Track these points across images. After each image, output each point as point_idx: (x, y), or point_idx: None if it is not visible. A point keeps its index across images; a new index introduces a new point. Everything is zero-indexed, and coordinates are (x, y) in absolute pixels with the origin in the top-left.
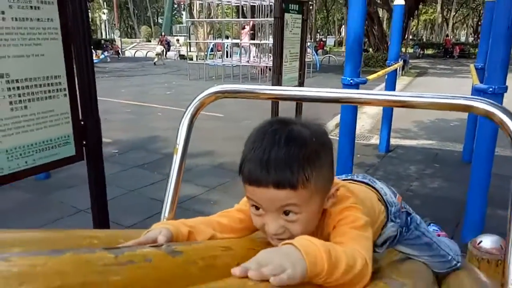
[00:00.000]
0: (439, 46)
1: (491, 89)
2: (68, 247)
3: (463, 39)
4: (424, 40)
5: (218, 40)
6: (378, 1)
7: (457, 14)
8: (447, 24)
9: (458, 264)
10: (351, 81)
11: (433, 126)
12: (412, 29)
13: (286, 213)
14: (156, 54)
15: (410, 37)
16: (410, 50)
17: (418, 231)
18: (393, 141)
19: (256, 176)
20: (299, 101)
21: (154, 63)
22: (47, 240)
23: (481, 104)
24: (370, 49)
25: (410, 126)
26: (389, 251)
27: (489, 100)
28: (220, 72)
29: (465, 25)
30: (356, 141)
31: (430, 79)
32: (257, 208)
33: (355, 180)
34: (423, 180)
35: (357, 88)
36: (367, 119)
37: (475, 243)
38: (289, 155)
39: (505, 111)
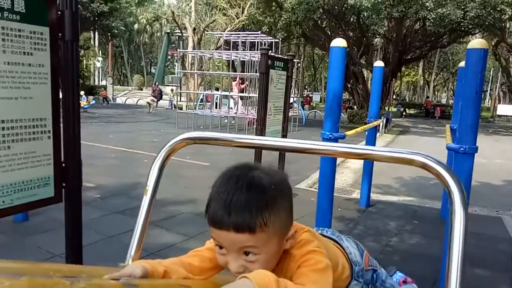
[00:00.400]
0: (421, 107)
1: (462, 149)
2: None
3: (443, 100)
4: (407, 100)
5: (208, 92)
6: (363, 62)
7: (437, 77)
8: (429, 86)
9: None
10: (330, 135)
11: (413, 183)
12: (395, 89)
13: (246, 253)
14: (147, 103)
15: (394, 96)
16: (394, 109)
17: (376, 280)
18: (374, 196)
19: (218, 219)
20: (261, 149)
21: (149, 111)
22: (13, 269)
23: (420, 158)
24: (355, 107)
25: (391, 182)
26: None
27: (427, 154)
28: (208, 122)
29: (445, 88)
30: (337, 194)
31: (411, 137)
32: (221, 247)
33: (323, 235)
34: (402, 236)
35: (336, 142)
36: (350, 174)
37: None
38: (249, 200)
39: (440, 163)
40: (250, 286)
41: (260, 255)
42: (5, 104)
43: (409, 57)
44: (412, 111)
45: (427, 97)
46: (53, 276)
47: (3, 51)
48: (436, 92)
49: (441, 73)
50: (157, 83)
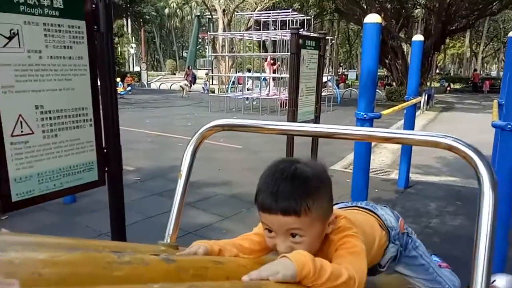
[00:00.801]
0: (467, 81)
1: (509, 126)
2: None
3: (493, 73)
4: (452, 74)
5: (240, 74)
6: (402, 36)
7: (487, 48)
8: (476, 58)
9: None
10: (365, 115)
11: (456, 162)
12: (438, 63)
13: (293, 235)
14: (180, 87)
15: (437, 71)
16: (437, 85)
17: (416, 252)
18: (413, 177)
19: (268, 205)
20: (288, 134)
21: (183, 95)
22: (67, 244)
23: (447, 140)
24: (394, 83)
25: (432, 161)
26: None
27: (454, 136)
28: (240, 105)
29: (496, 59)
30: (374, 175)
31: (456, 114)
32: (270, 231)
33: (359, 207)
34: (443, 218)
35: (371, 122)
36: (388, 154)
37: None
38: (293, 189)
39: (467, 145)
40: (289, 263)
41: (305, 237)
42: (50, 96)
43: (453, 27)
44: (457, 86)
45: (475, 70)
46: (102, 250)
47: (46, 46)
48: (485, 65)
49: (491, 44)
50: (190, 67)
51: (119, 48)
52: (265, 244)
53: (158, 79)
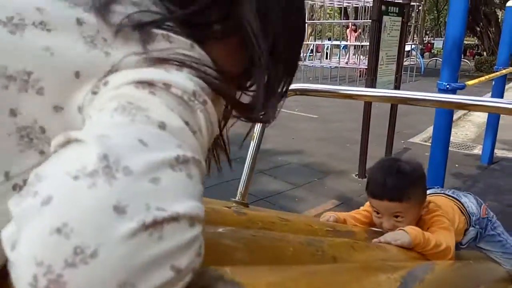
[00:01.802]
0: None
1: (448, 86)
2: None
3: None
4: None
5: (319, 41)
6: (496, 1)
7: None
8: None
9: None
10: (448, 86)
11: None
12: None
13: (396, 216)
14: None
15: None
16: None
17: (494, 232)
18: (499, 153)
19: (378, 193)
20: (360, 99)
21: None
22: None
23: None
24: (484, 53)
25: None
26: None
27: None
28: (318, 74)
29: None
30: (456, 150)
31: None
32: (378, 212)
33: (445, 194)
34: None
35: (454, 93)
36: (472, 128)
37: None
38: (398, 181)
39: None
40: (405, 234)
41: (405, 218)
42: None
43: None
44: None
45: None
46: None
47: None
48: None
49: None
50: None
51: None
52: (370, 219)
53: None
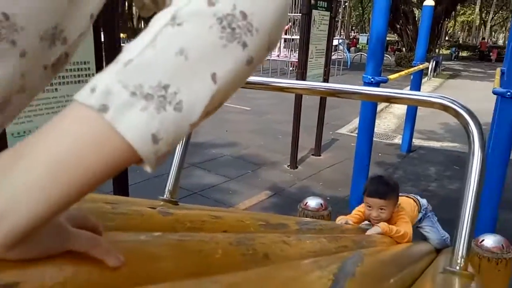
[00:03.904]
0: (475, 49)
1: (508, 93)
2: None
3: (501, 42)
4: (461, 42)
5: None
6: (414, 1)
7: (496, 17)
8: (485, 27)
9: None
10: (372, 79)
11: (459, 129)
12: (449, 30)
13: (381, 209)
14: None
15: (446, 38)
16: (446, 52)
17: (429, 214)
18: (416, 142)
19: (373, 193)
20: (296, 92)
21: None
22: None
23: (441, 100)
24: (404, 49)
25: (435, 127)
26: None
27: (448, 97)
28: None
29: (504, 28)
30: (379, 140)
31: (461, 82)
32: (370, 207)
33: (408, 196)
34: (442, 181)
35: (378, 86)
36: (393, 119)
37: (477, 242)
38: (385, 188)
39: (460, 105)
40: (378, 228)
41: (386, 211)
42: None
43: None
44: (464, 54)
45: (483, 38)
46: (98, 202)
47: None
48: (493, 33)
49: (500, 12)
50: None
51: (126, 2)
52: (359, 218)
53: None
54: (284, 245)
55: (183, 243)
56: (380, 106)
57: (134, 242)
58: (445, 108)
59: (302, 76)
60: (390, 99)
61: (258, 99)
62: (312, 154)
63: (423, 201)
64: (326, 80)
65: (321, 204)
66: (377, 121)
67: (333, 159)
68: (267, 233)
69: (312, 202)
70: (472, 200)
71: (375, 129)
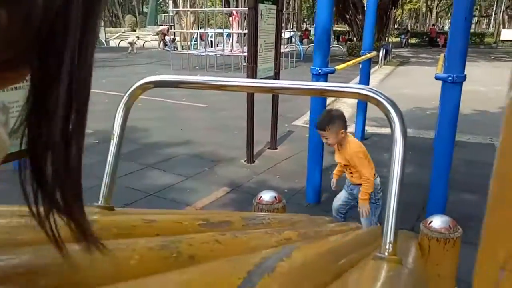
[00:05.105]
0: (423, 35)
1: (450, 78)
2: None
3: (447, 28)
4: (409, 29)
5: (202, 30)
6: None
7: (441, 4)
8: (431, 13)
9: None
10: (320, 71)
11: (410, 114)
12: (397, 18)
13: (325, 138)
14: (128, 43)
15: (395, 26)
16: (396, 39)
17: (377, 197)
18: (370, 130)
19: (316, 127)
20: (224, 90)
21: (129, 52)
22: (11, 211)
23: (364, 91)
24: (355, 39)
25: None
26: None
27: (370, 87)
28: (204, 62)
29: (449, 14)
30: None
31: (410, 68)
32: (320, 136)
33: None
34: None
35: (326, 77)
36: (347, 108)
37: (426, 223)
38: (322, 121)
39: (381, 95)
40: (363, 205)
41: (329, 139)
42: None
43: None
44: (413, 40)
45: (433, 25)
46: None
47: None
48: (439, 19)
49: None
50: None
51: None
52: (339, 169)
53: (118, 36)
54: (216, 244)
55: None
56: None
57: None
58: (367, 98)
59: (252, 70)
60: (316, 91)
61: (214, 95)
62: (269, 148)
63: (377, 181)
64: (277, 73)
65: (275, 197)
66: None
67: (289, 151)
68: (204, 233)
69: (266, 196)
70: (397, 186)
71: None
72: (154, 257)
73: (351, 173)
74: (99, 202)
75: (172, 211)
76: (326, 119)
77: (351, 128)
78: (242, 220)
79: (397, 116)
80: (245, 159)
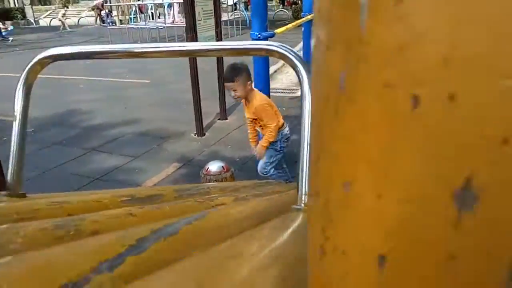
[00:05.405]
0: None
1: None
2: None
3: None
4: None
5: (140, 2)
6: None
7: None
8: None
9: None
10: (259, 35)
11: None
12: None
13: (234, 90)
14: (59, 20)
15: None
16: None
17: (281, 145)
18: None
19: (223, 81)
20: (122, 57)
21: (61, 30)
22: None
23: (269, 47)
24: (299, 1)
25: None
26: None
27: (277, 43)
28: (146, 36)
29: None
30: (282, 95)
31: None
32: (228, 90)
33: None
34: None
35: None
36: (294, 73)
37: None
38: (228, 74)
39: (287, 49)
40: (261, 149)
41: (237, 91)
42: None
43: None
44: None
45: None
46: None
47: None
48: None
49: None
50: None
51: None
52: (252, 129)
53: (48, 14)
54: (129, 218)
55: None
56: (281, 61)
57: None
58: (274, 54)
59: (192, 39)
60: (215, 52)
61: (158, 70)
62: (219, 119)
63: (285, 131)
64: (219, 41)
65: (222, 167)
66: (279, 76)
67: (240, 121)
68: (120, 208)
69: (213, 167)
70: (308, 138)
71: (278, 85)
72: (43, 237)
73: (260, 126)
74: (6, 189)
75: (98, 191)
76: (234, 71)
77: (299, 92)
78: (175, 192)
79: (305, 70)
80: (195, 132)
